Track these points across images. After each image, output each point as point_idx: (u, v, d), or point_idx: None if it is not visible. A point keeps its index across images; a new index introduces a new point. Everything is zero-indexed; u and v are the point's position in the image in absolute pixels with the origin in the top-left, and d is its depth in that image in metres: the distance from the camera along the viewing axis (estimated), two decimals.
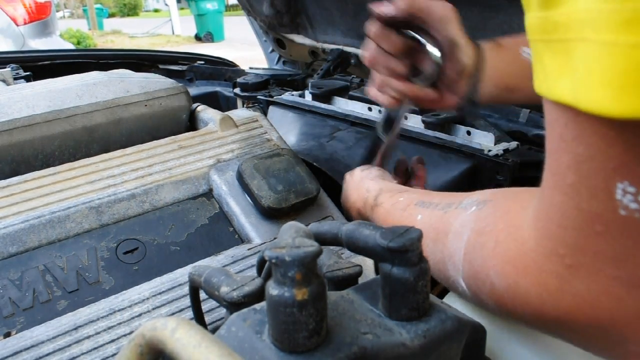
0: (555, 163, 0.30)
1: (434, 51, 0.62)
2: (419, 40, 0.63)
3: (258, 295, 0.43)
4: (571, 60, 0.25)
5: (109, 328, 0.55)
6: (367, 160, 0.81)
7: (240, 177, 0.71)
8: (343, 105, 1.20)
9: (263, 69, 1.58)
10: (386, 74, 0.67)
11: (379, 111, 1.11)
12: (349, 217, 0.73)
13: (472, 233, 0.41)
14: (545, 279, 0.32)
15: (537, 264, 0.33)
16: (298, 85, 1.42)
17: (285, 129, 1.13)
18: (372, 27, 0.64)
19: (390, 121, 0.73)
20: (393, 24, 0.63)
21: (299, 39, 1.44)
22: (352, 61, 1.34)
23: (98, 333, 0.54)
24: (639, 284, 0.28)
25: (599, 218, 0.28)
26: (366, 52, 0.67)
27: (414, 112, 1.07)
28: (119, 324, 0.56)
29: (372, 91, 0.71)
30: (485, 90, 0.65)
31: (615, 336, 0.30)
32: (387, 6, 0.61)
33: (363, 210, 0.64)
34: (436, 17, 0.61)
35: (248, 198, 0.71)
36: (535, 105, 1.02)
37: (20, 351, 0.51)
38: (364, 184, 0.66)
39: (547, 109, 0.30)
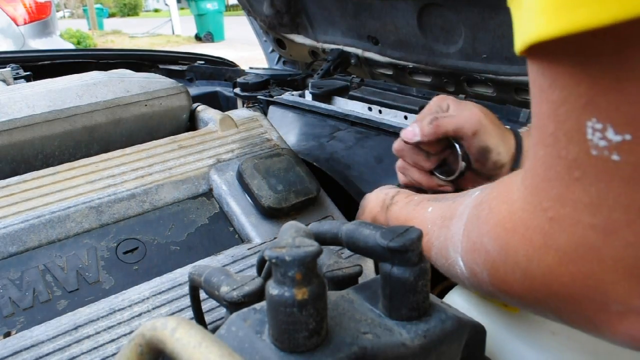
0: (537, 117, 0.31)
1: (462, 161, 0.63)
2: (452, 144, 0.64)
3: (258, 295, 0.43)
4: (521, 9, 0.27)
5: (109, 328, 0.55)
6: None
7: (240, 177, 0.71)
8: (343, 105, 1.20)
9: (263, 69, 1.58)
10: (411, 165, 0.68)
11: (379, 111, 1.11)
12: None
13: (471, 209, 0.42)
14: (531, 235, 0.33)
15: (524, 221, 0.33)
16: (298, 85, 1.42)
17: (285, 129, 1.13)
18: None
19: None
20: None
21: (299, 39, 1.44)
22: (352, 61, 1.34)
23: (98, 333, 0.54)
24: (613, 230, 0.28)
25: (576, 163, 0.28)
26: (396, 142, 0.67)
27: (413, 112, 1.07)
28: (119, 323, 0.56)
29: (397, 166, 0.72)
30: None
31: (597, 294, 0.30)
32: (414, 134, 0.63)
33: (379, 214, 0.65)
34: (467, 134, 0.62)
35: (248, 198, 0.71)
36: None
37: (20, 351, 0.51)
38: (383, 191, 0.67)
39: (529, 68, 0.31)
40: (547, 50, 0.28)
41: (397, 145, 0.68)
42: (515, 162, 0.64)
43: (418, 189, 0.68)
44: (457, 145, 0.63)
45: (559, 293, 0.33)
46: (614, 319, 0.31)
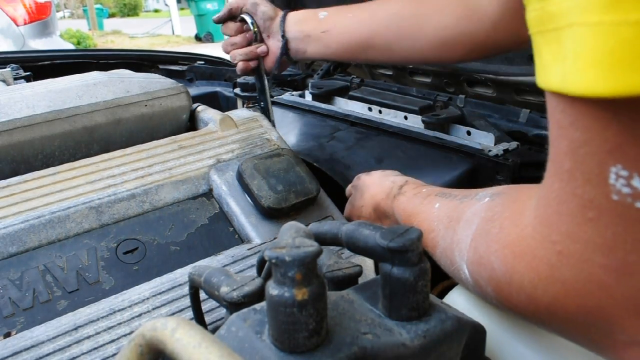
0: (554, 150, 0.30)
1: (248, 18, 0.87)
2: (243, 18, 0.88)
3: (258, 295, 0.43)
4: (562, 48, 0.25)
5: (109, 328, 0.55)
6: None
7: (240, 177, 0.71)
8: (343, 105, 1.20)
9: None
10: (234, 49, 0.89)
11: (379, 111, 1.11)
12: (356, 217, 0.73)
13: (481, 221, 0.41)
14: (537, 265, 0.33)
15: (532, 249, 0.33)
16: (298, 85, 1.42)
17: (285, 129, 1.13)
18: (223, 27, 0.91)
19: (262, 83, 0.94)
20: (229, 18, 0.89)
21: None
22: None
23: (98, 333, 0.54)
24: (627, 272, 0.28)
25: (591, 204, 0.28)
26: (223, 44, 0.92)
27: (413, 112, 1.07)
28: (119, 324, 0.56)
29: (236, 64, 0.91)
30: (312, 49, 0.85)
31: (603, 325, 0.30)
32: (217, 17, 0.91)
33: (384, 202, 0.65)
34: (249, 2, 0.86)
35: (248, 198, 0.71)
36: (535, 105, 1.02)
37: (20, 351, 0.51)
38: (389, 178, 0.68)
39: (547, 99, 0.30)
40: (580, 100, 0.27)
41: (223, 45, 0.92)
42: (283, 17, 0.85)
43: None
44: (245, 16, 0.87)
45: (564, 319, 0.33)
46: (619, 347, 0.31)
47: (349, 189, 0.78)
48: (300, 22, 0.86)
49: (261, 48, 0.88)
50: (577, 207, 0.29)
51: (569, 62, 0.25)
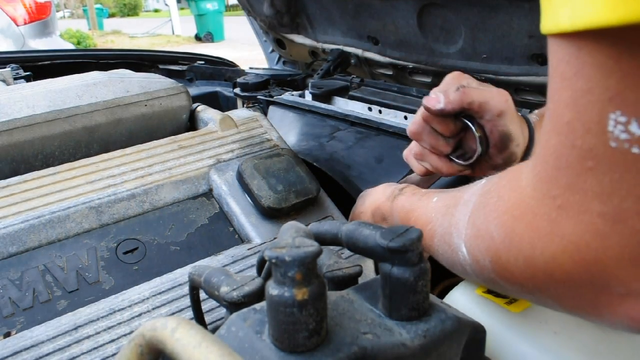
0: (554, 105, 0.31)
1: (479, 144, 0.61)
2: (470, 127, 0.61)
3: (258, 295, 0.43)
4: None
5: (109, 328, 0.55)
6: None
7: (240, 177, 0.71)
8: (343, 105, 1.20)
9: (263, 69, 1.58)
10: (428, 149, 0.66)
11: (379, 111, 1.11)
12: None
13: (478, 197, 0.42)
14: (537, 223, 0.34)
15: (532, 208, 0.34)
16: (298, 85, 1.41)
17: (285, 129, 1.13)
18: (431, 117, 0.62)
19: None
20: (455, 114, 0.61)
21: (299, 39, 1.44)
22: (352, 61, 1.34)
23: (98, 333, 0.54)
24: (623, 219, 0.29)
25: (590, 153, 0.29)
26: (412, 124, 0.65)
27: (413, 112, 1.07)
28: (119, 324, 0.56)
29: (407, 155, 0.70)
30: None
31: (599, 278, 0.31)
32: (437, 100, 0.60)
33: (384, 204, 0.64)
34: (492, 112, 0.59)
35: (248, 198, 0.71)
36: (535, 105, 1.02)
37: (20, 351, 0.51)
38: (392, 185, 0.67)
39: (551, 50, 0.31)
40: (582, 38, 0.28)
41: (413, 127, 0.64)
42: (526, 154, 0.62)
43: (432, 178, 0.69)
44: (472, 127, 0.60)
45: (561, 280, 0.34)
46: (614, 301, 0.31)
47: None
48: None
49: (465, 173, 0.65)
50: (577, 158, 0.30)
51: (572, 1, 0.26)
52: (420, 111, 0.63)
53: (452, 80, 0.63)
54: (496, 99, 0.59)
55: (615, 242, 0.29)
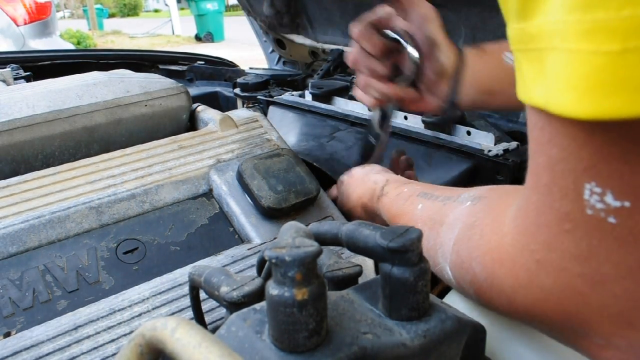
0: (533, 164, 0.32)
1: (413, 51, 0.64)
2: (399, 41, 0.64)
3: (258, 295, 0.43)
4: (544, 68, 0.26)
5: (109, 328, 0.55)
6: (361, 161, 0.83)
7: (240, 177, 0.71)
8: (343, 105, 1.20)
9: (263, 69, 1.58)
10: (368, 75, 0.69)
11: (368, 109, 1.11)
12: (350, 218, 0.74)
13: (463, 226, 0.43)
14: (517, 272, 0.34)
15: (512, 256, 0.35)
16: (298, 85, 1.41)
17: (285, 129, 1.13)
18: (355, 28, 0.66)
19: (383, 119, 0.75)
20: (376, 24, 0.65)
21: (299, 39, 1.44)
22: None
23: (98, 333, 0.54)
24: (601, 281, 0.29)
25: (568, 217, 0.29)
26: (350, 53, 0.69)
27: (412, 111, 1.07)
28: (119, 324, 0.56)
29: (357, 92, 0.73)
30: (467, 94, 0.67)
31: (580, 329, 0.32)
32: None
33: (370, 203, 0.66)
34: (418, 14, 0.62)
35: (248, 198, 0.71)
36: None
37: (20, 351, 0.51)
38: (370, 178, 0.68)
39: (527, 114, 0.31)
40: (557, 118, 0.27)
41: (351, 55, 0.68)
42: (456, 79, 0.64)
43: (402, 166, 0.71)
44: (399, 37, 0.64)
45: (543, 322, 0.35)
46: (594, 349, 0.32)
47: (333, 191, 0.78)
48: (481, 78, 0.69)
49: (411, 95, 0.67)
50: (555, 219, 0.30)
51: (550, 82, 0.26)
52: (355, 36, 0.67)
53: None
54: (422, 3, 0.63)
55: (594, 301, 0.30)
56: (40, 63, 1.56)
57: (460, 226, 0.43)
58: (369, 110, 1.12)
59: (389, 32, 0.65)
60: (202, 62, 1.73)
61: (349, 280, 0.46)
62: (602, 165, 0.27)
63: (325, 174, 0.91)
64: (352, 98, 1.18)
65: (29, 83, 0.88)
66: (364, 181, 0.69)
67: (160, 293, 0.59)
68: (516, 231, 0.34)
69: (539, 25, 0.26)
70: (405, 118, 1.07)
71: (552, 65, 0.25)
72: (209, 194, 0.72)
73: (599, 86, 0.23)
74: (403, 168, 0.78)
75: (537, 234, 0.32)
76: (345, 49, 1.32)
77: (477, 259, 0.39)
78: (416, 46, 0.63)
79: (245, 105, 1.34)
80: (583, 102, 0.24)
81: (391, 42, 0.65)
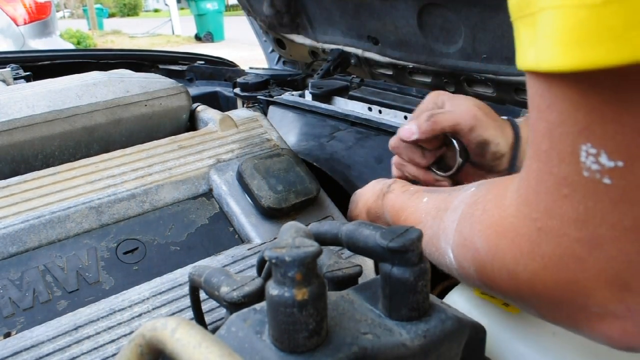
0: (534, 133, 0.33)
1: (459, 157, 0.64)
2: (449, 140, 0.64)
3: (258, 295, 0.43)
4: (535, 30, 0.27)
5: (109, 328, 0.55)
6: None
7: (240, 177, 0.71)
8: (343, 105, 1.20)
9: (263, 69, 1.57)
10: (407, 161, 0.68)
11: (379, 111, 1.11)
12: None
13: (465, 206, 0.44)
14: (519, 242, 0.35)
15: (514, 227, 0.36)
16: (298, 85, 1.41)
17: (285, 129, 1.13)
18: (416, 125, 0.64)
19: None
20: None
21: (299, 39, 1.43)
22: (352, 61, 1.34)
23: (98, 333, 0.54)
24: (599, 245, 0.30)
25: (566, 181, 0.30)
26: (392, 139, 0.68)
27: (412, 112, 1.06)
28: (119, 324, 0.56)
29: (392, 162, 0.73)
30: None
31: (578, 298, 0.33)
32: (411, 132, 0.63)
33: (375, 204, 0.66)
34: (464, 130, 0.62)
35: (248, 198, 0.71)
36: None
37: (20, 351, 0.51)
38: (380, 182, 0.69)
39: (527, 84, 0.32)
40: (550, 76, 0.29)
41: (393, 142, 0.68)
42: (515, 151, 0.64)
43: (414, 181, 0.69)
44: (454, 141, 0.64)
45: (543, 294, 0.35)
46: (592, 320, 0.33)
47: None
48: None
49: (445, 184, 0.66)
50: (554, 185, 0.31)
51: (540, 41, 0.27)
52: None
53: (429, 101, 0.67)
54: (465, 117, 0.62)
55: (592, 265, 0.31)
56: (40, 63, 1.56)
57: (462, 207, 0.44)
58: (373, 110, 1.12)
59: (452, 140, 0.65)
60: (202, 62, 1.73)
61: (349, 280, 0.46)
62: (596, 125, 0.28)
63: (325, 174, 0.91)
64: (352, 98, 1.18)
65: (29, 83, 0.88)
66: (373, 186, 0.69)
67: (160, 293, 0.59)
68: (519, 201, 0.35)
69: None
70: (405, 118, 1.07)
71: (542, 25, 0.27)
72: (209, 194, 0.72)
73: (585, 37, 0.24)
74: None
75: (538, 201, 0.33)
76: (345, 48, 1.32)
77: (479, 233, 0.40)
78: (462, 149, 0.64)
79: (245, 105, 1.34)
80: (569, 54, 0.25)
81: (441, 139, 0.65)
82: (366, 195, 0.70)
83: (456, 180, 0.67)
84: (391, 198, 0.62)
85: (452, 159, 0.66)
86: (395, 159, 0.71)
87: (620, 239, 0.29)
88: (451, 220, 0.45)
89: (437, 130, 0.62)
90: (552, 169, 0.31)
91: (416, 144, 0.65)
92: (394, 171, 0.72)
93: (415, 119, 0.64)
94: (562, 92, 0.29)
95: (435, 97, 0.67)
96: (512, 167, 0.64)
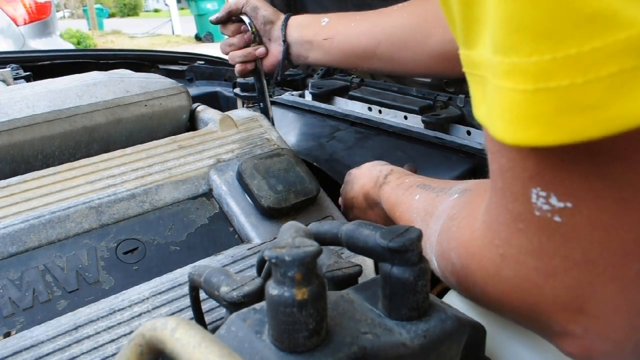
0: (490, 169, 0.35)
1: (246, 19, 0.89)
2: (241, 19, 0.90)
3: (258, 295, 0.43)
4: (485, 92, 0.29)
5: (109, 328, 0.55)
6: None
7: (240, 177, 0.71)
8: (343, 105, 1.20)
9: None
10: (232, 50, 0.91)
11: (379, 111, 1.11)
12: (349, 208, 0.75)
13: (446, 217, 0.46)
14: (485, 264, 0.37)
15: (481, 250, 0.38)
16: (298, 85, 1.41)
17: (285, 129, 1.13)
18: (214, 19, 0.93)
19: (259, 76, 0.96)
20: (227, 19, 0.91)
21: None
22: None
23: (98, 333, 0.54)
24: (554, 274, 0.32)
25: (520, 217, 0.32)
26: (221, 45, 0.94)
27: (413, 112, 1.07)
28: (119, 324, 0.56)
29: (234, 65, 0.93)
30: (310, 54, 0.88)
31: (541, 318, 0.35)
32: (215, 18, 0.92)
33: (372, 190, 0.68)
34: (245, 6, 0.89)
35: (248, 198, 0.71)
36: None
37: (20, 351, 0.51)
38: (376, 167, 0.71)
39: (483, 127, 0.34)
40: None
41: (222, 45, 0.94)
42: (284, 24, 0.87)
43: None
44: (243, 17, 0.89)
45: (512, 312, 0.38)
46: (556, 337, 0.35)
47: (342, 187, 0.80)
48: (302, 27, 0.87)
49: (259, 50, 0.90)
50: (510, 219, 0.33)
51: (489, 107, 0.29)
52: (220, 29, 0.94)
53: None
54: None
55: (549, 292, 0.33)
56: (40, 63, 1.56)
57: (444, 217, 0.46)
58: (373, 110, 1.12)
59: (238, 17, 0.90)
60: (202, 62, 1.73)
61: (349, 280, 0.46)
62: (545, 173, 0.30)
63: (325, 174, 0.91)
64: (352, 98, 1.18)
65: (29, 83, 0.88)
66: (369, 170, 0.72)
67: (160, 293, 0.59)
68: (484, 227, 0.37)
69: (479, 56, 0.29)
70: (405, 118, 1.08)
71: (489, 94, 0.28)
72: (208, 194, 0.72)
73: (520, 118, 0.26)
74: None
75: (498, 230, 0.35)
76: None
77: (454, 249, 0.42)
78: (252, 21, 0.89)
79: (245, 105, 1.34)
80: (509, 131, 0.27)
81: (240, 24, 0.91)
82: (363, 179, 0.72)
83: (266, 47, 0.91)
84: (387, 191, 0.64)
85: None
86: (229, 58, 0.93)
87: (572, 269, 0.31)
88: (434, 229, 0.47)
89: (226, 10, 0.90)
90: (507, 205, 0.33)
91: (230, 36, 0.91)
92: (236, 69, 0.93)
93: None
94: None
95: None
96: (283, 35, 0.87)
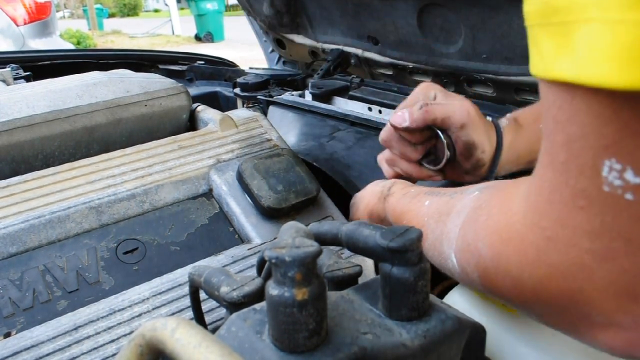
0: (549, 143, 0.32)
1: (447, 150, 0.64)
2: (439, 135, 0.65)
3: (258, 295, 0.43)
4: (570, 41, 0.26)
5: (109, 328, 0.55)
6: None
7: (240, 177, 0.71)
8: (343, 105, 1.20)
9: (263, 69, 1.57)
10: (398, 155, 0.69)
11: (379, 111, 1.11)
12: None
13: (469, 210, 0.43)
14: (525, 249, 0.35)
15: (520, 234, 0.35)
16: (298, 85, 1.41)
17: (285, 129, 1.13)
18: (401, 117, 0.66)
19: None
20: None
21: (299, 39, 1.43)
22: (352, 61, 1.34)
23: (98, 333, 0.54)
24: (610, 257, 0.30)
25: (583, 193, 0.30)
26: (383, 132, 0.68)
27: None
28: (119, 324, 0.56)
29: (380, 159, 0.73)
30: (505, 168, 0.68)
31: (582, 307, 0.32)
32: (403, 119, 0.63)
33: (377, 206, 0.65)
34: (454, 126, 0.62)
35: (248, 198, 0.71)
36: None
37: (20, 351, 0.51)
38: (379, 184, 0.68)
39: (543, 93, 0.31)
40: (578, 87, 0.28)
41: (384, 134, 0.68)
42: (495, 159, 0.65)
43: (407, 178, 0.70)
44: (441, 134, 0.64)
45: (546, 302, 0.35)
46: (596, 329, 0.33)
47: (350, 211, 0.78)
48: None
49: (436, 178, 0.68)
50: (569, 196, 0.31)
51: (581, 54, 0.26)
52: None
53: (420, 92, 0.66)
54: (458, 112, 0.62)
55: (601, 277, 0.30)
56: (40, 63, 1.56)
57: (467, 211, 0.44)
58: (373, 110, 1.12)
59: (437, 132, 0.65)
60: (202, 62, 1.73)
61: (349, 280, 0.46)
62: (628, 140, 0.27)
63: (325, 174, 0.91)
64: (352, 98, 1.18)
65: (29, 83, 0.88)
66: (372, 188, 0.69)
67: (160, 293, 0.59)
68: (527, 209, 0.35)
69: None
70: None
71: (585, 37, 0.25)
72: (209, 194, 0.72)
73: (637, 55, 0.23)
74: None
75: (549, 210, 0.32)
76: (345, 48, 1.32)
77: (483, 239, 0.39)
78: (450, 143, 0.64)
79: (245, 105, 1.34)
80: (624, 72, 0.24)
81: (429, 131, 0.65)
82: (367, 198, 0.69)
83: (444, 176, 0.68)
84: (392, 202, 0.61)
85: (440, 153, 0.66)
86: (386, 156, 0.71)
87: (635, 254, 0.29)
88: (454, 224, 0.45)
89: (429, 120, 0.62)
90: (568, 180, 0.30)
91: (406, 138, 0.66)
92: (386, 169, 0.72)
93: (408, 107, 0.64)
94: (587, 106, 0.28)
95: (425, 89, 0.67)
96: (491, 174, 0.65)
